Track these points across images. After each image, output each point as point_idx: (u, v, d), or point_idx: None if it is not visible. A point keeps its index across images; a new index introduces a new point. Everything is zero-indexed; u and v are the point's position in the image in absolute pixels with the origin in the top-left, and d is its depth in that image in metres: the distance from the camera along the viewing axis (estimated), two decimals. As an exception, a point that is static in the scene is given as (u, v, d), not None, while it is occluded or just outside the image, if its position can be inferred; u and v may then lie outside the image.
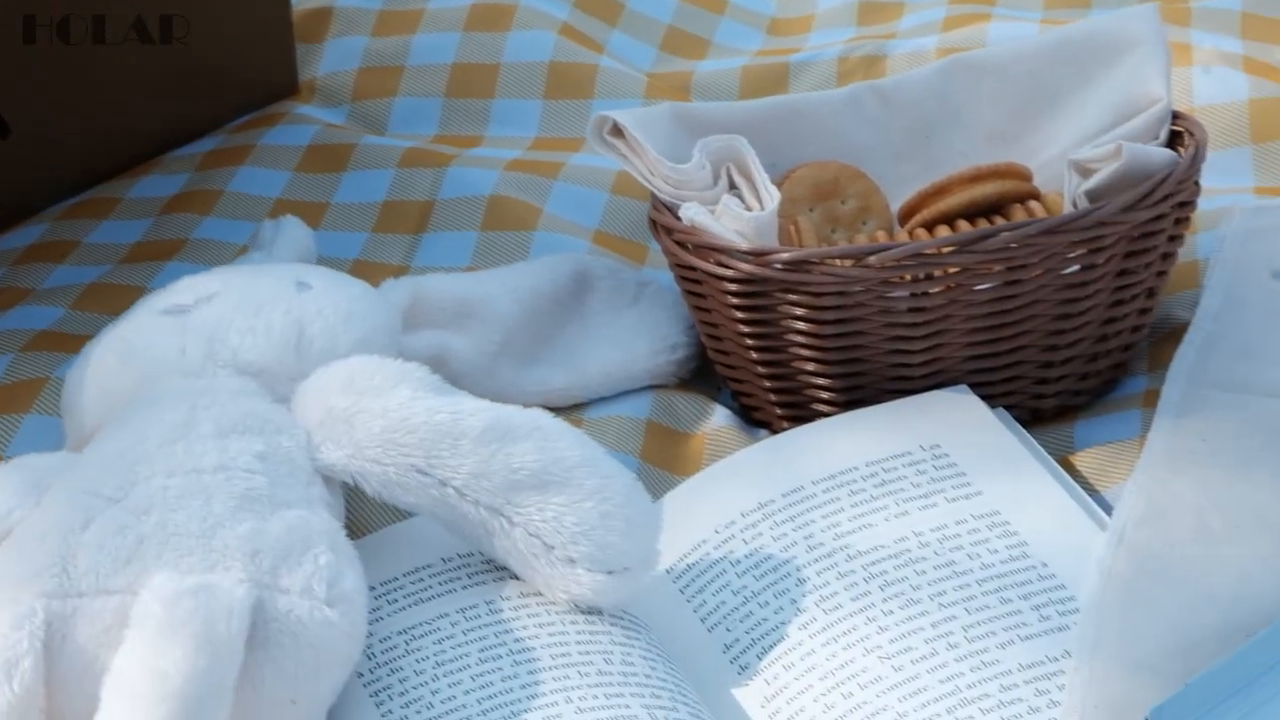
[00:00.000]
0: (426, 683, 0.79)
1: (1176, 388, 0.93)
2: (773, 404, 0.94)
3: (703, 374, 1.00)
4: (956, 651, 0.79)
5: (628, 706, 0.76)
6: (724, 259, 0.91)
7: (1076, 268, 0.91)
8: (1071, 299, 0.91)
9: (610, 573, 0.79)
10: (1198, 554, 0.84)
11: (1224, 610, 0.81)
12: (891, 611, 0.81)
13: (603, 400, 0.97)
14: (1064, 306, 0.91)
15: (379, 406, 0.82)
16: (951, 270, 0.89)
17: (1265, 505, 0.86)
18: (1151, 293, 0.95)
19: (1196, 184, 0.94)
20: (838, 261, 0.89)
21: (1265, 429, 0.90)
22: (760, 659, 0.81)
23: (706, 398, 0.98)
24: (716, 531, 0.87)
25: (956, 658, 0.79)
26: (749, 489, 0.88)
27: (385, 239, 1.10)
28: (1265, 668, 0.77)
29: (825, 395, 0.93)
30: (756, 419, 0.96)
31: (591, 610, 0.81)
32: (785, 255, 0.89)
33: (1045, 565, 0.83)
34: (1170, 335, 0.98)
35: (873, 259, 0.88)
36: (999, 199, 0.96)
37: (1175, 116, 0.96)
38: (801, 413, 0.93)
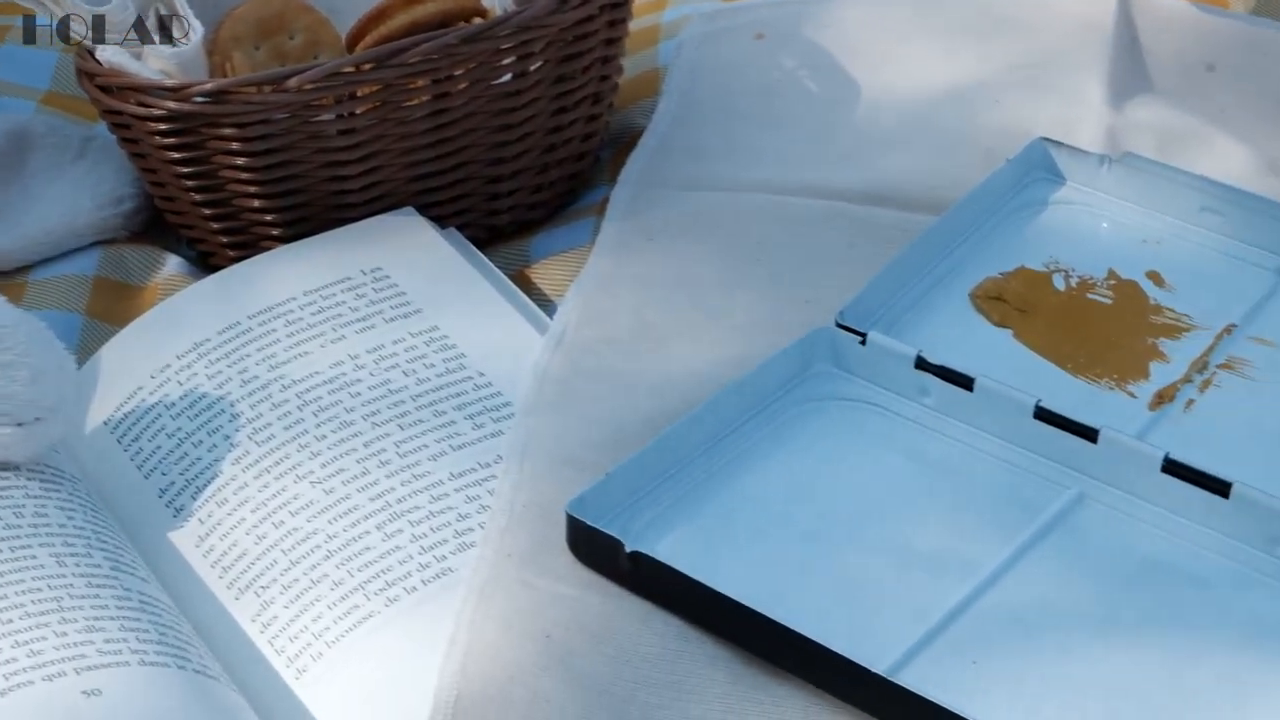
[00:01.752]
0: None
1: (627, 190, 0.92)
2: (223, 245, 0.91)
3: (158, 225, 0.96)
4: (388, 468, 0.78)
5: (34, 557, 0.73)
6: (145, 99, 0.87)
7: (509, 77, 0.89)
8: (508, 109, 0.89)
9: (20, 425, 0.76)
10: (636, 349, 0.83)
11: (658, 400, 0.80)
12: (324, 436, 0.79)
13: (49, 260, 0.93)
14: (502, 118, 0.90)
15: None
16: (375, 88, 0.86)
17: (705, 295, 0.86)
18: (598, 99, 0.94)
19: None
20: (259, 89, 0.86)
21: (711, 222, 0.90)
22: (195, 499, 0.79)
23: (160, 249, 0.94)
24: (152, 377, 0.83)
25: (388, 474, 0.78)
26: (185, 331, 0.85)
27: None
28: (693, 453, 0.77)
29: (271, 230, 0.90)
30: (212, 264, 0.93)
31: (6, 465, 0.77)
32: (205, 87, 0.86)
33: (482, 375, 0.82)
34: (631, 144, 0.97)
35: (292, 82, 0.85)
36: (442, 19, 0.94)
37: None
38: (252, 251, 0.90)
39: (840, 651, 0.68)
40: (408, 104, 0.87)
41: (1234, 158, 0.92)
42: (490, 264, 0.88)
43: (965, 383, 0.79)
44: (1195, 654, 0.70)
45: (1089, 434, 0.76)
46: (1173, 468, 0.75)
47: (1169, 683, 0.69)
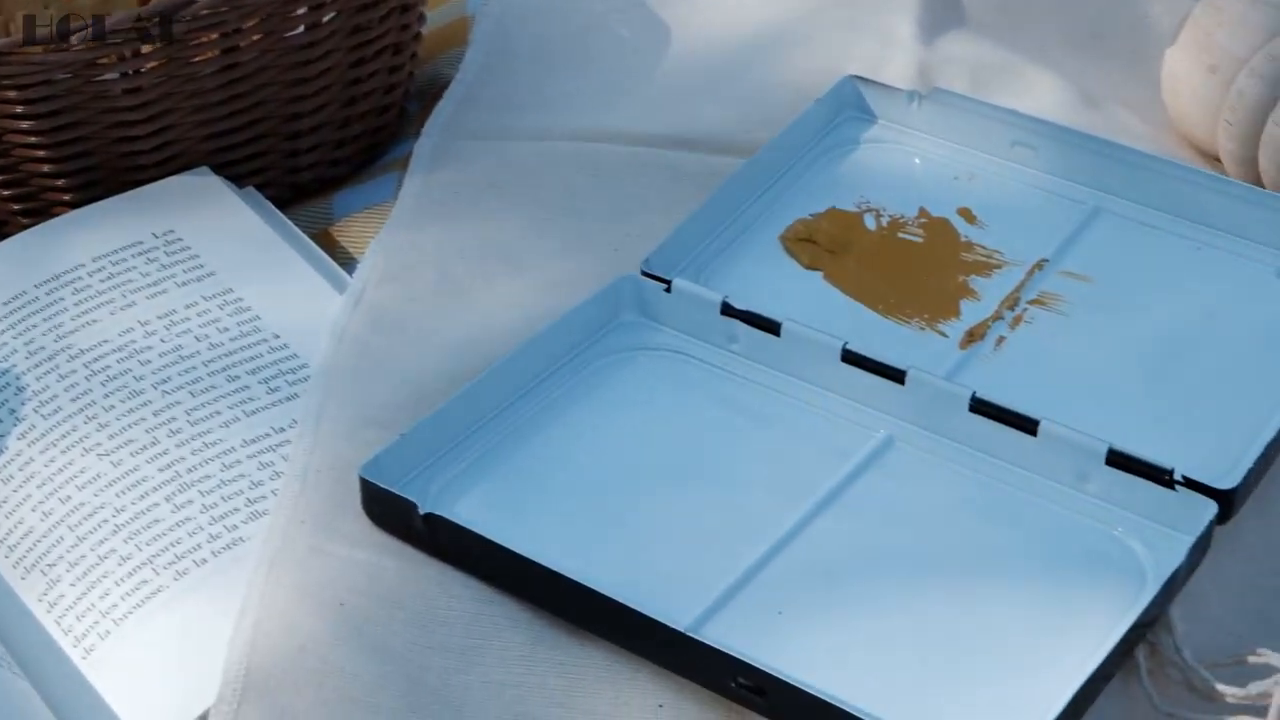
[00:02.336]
0: None
1: (431, 142, 0.90)
2: (14, 213, 0.88)
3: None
4: (179, 437, 0.75)
5: None
6: (-78, 63, 0.84)
7: (301, 29, 0.86)
8: (303, 62, 0.87)
9: None
10: (439, 305, 0.81)
11: (461, 357, 0.78)
12: (113, 407, 0.77)
13: None
14: (297, 72, 0.87)
15: None
16: (161, 45, 0.83)
17: (511, 247, 0.84)
18: (399, 49, 0.91)
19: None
20: (43, 49, 0.83)
21: (518, 173, 0.88)
22: (-21, 477, 0.76)
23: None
24: (-65, 352, 0.81)
25: (178, 444, 0.75)
26: (-31, 303, 0.82)
27: None
28: (493, 410, 0.75)
29: (62, 195, 0.87)
30: (6, 233, 0.90)
31: None
32: (-18, 49, 0.83)
33: (278, 337, 0.79)
34: (439, 95, 0.94)
35: (74, 39, 0.82)
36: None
37: None
38: (44, 217, 0.87)
39: (640, 609, 0.66)
40: (196, 60, 0.84)
41: (1048, 91, 0.91)
42: (289, 223, 0.86)
43: (772, 327, 0.77)
44: (1007, 595, 0.69)
45: (896, 375, 0.75)
46: (980, 407, 0.73)
47: (980, 625, 0.68)
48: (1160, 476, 0.71)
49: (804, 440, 0.75)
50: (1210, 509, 0.69)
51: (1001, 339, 0.78)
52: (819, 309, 0.79)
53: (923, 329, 0.79)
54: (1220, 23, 0.87)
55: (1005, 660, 0.67)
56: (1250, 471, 0.71)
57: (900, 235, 0.83)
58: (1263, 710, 0.66)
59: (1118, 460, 0.71)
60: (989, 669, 0.66)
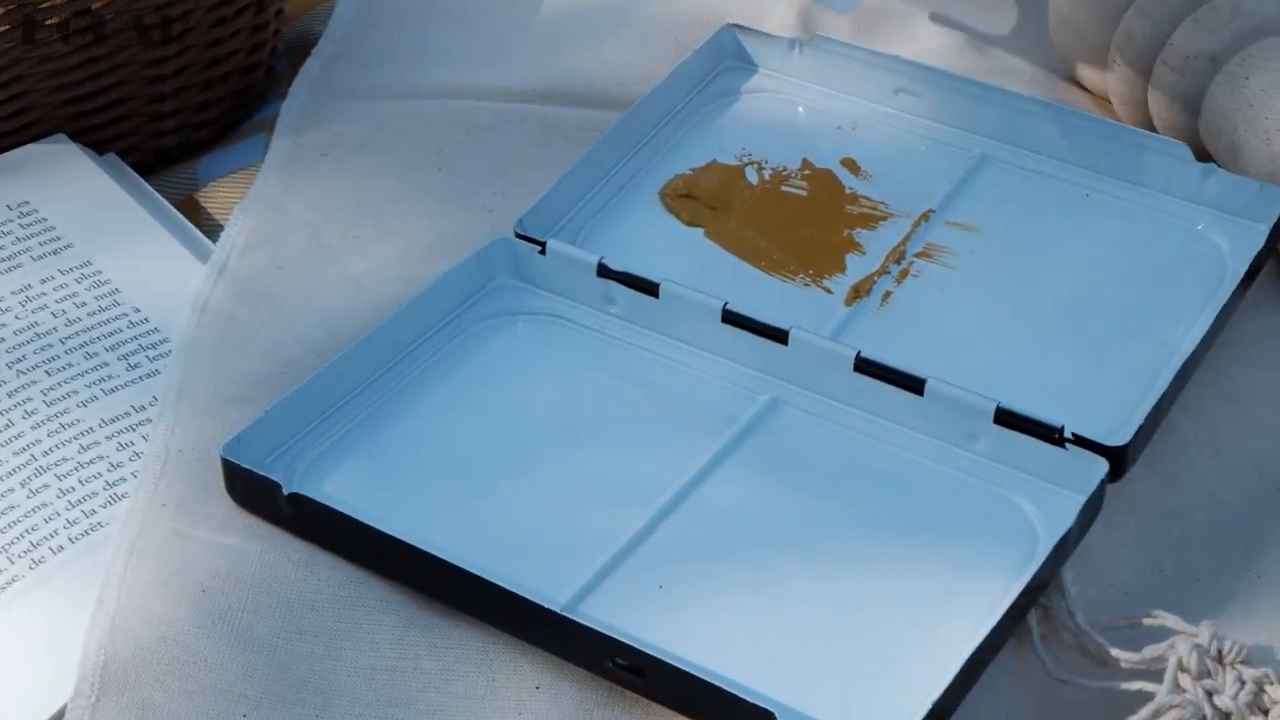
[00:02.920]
0: None
1: (298, 102, 0.87)
2: None
3: None
4: (34, 419, 0.72)
5: None
6: None
7: (158, -12, 0.83)
8: (160, 23, 0.83)
9: None
10: (307, 273, 0.78)
11: (330, 328, 0.75)
12: (-35, 389, 0.74)
13: None
14: (154, 33, 0.83)
15: None
16: (9, 8, 0.80)
17: (383, 211, 0.81)
18: (262, 7, 0.87)
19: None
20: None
21: (389, 132, 0.85)
22: None
23: None
24: None
25: (33, 425, 0.72)
26: None
27: None
28: (361, 383, 0.72)
29: (-87, 168, 0.84)
30: None
31: None
32: None
33: (139, 312, 0.76)
34: (308, 53, 0.91)
35: (-84, 6, 0.79)
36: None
37: None
38: (-105, 192, 0.84)
39: (513, 588, 0.63)
40: (47, 22, 0.81)
41: (933, 35, 0.89)
42: (152, 191, 0.82)
43: (650, 289, 0.74)
44: (896, 561, 0.67)
45: (779, 336, 0.72)
46: (865, 366, 0.71)
47: (868, 594, 0.66)
48: (1050, 435, 0.68)
49: (686, 405, 0.72)
50: (1101, 467, 0.67)
51: (888, 294, 0.76)
52: (700, 268, 0.77)
53: (807, 285, 0.76)
54: (1107, -38, 0.85)
55: (893, 630, 0.64)
56: (1141, 428, 0.69)
57: (783, 188, 0.80)
58: (1158, 674, 0.64)
59: (1006, 419, 0.69)
60: (876, 640, 0.64)
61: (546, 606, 0.63)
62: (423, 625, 0.65)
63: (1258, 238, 0.76)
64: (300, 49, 0.92)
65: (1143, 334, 0.73)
